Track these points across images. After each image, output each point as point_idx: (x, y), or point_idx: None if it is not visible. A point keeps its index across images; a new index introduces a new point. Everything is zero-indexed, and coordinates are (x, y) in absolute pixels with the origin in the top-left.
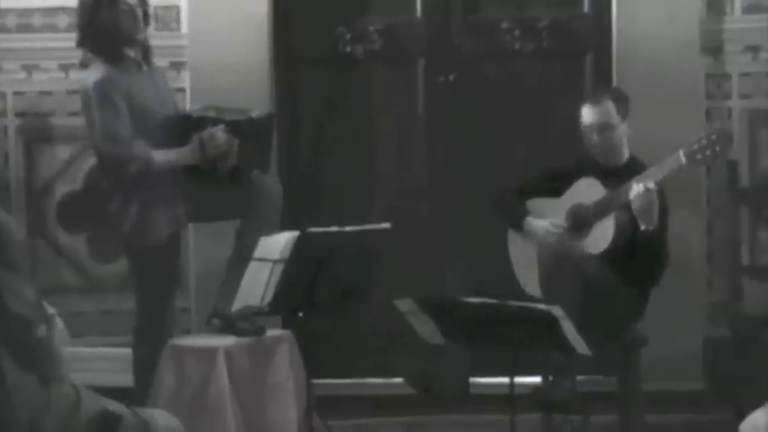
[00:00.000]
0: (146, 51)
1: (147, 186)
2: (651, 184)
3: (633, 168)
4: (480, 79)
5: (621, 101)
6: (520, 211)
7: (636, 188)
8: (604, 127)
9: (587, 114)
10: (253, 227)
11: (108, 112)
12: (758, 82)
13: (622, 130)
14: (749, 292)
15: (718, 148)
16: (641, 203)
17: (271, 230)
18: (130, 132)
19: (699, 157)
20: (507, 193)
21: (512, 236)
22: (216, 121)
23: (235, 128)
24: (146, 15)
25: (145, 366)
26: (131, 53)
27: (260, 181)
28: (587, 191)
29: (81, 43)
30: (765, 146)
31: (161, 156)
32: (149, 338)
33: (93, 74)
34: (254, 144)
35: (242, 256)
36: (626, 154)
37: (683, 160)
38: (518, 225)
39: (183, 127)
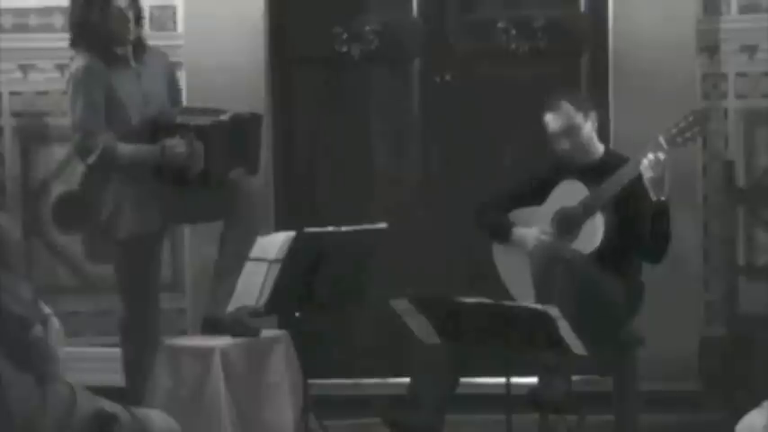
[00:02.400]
0: (138, 49)
1: (120, 179)
2: (663, 156)
3: (610, 161)
4: (476, 79)
5: (578, 99)
6: (505, 224)
7: (648, 159)
8: (569, 130)
9: (550, 122)
10: (234, 230)
11: (80, 101)
12: (754, 82)
13: (588, 128)
14: (745, 291)
15: (696, 129)
16: (655, 174)
17: (253, 232)
18: (100, 123)
19: (679, 140)
20: (487, 207)
21: (497, 248)
22: (180, 127)
23: (201, 133)
24: (138, 17)
25: (134, 364)
26: (121, 51)
27: (238, 182)
28: (569, 193)
29: (73, 44)
30: (761, 146)
31: (126, 150)
32: (134, 336)
33: (78, 61)
34: (226, 146)
35: (227, 259)
36: (599, 149)
37: (664, 145)
38: (505, 237)
39: (153, 129)
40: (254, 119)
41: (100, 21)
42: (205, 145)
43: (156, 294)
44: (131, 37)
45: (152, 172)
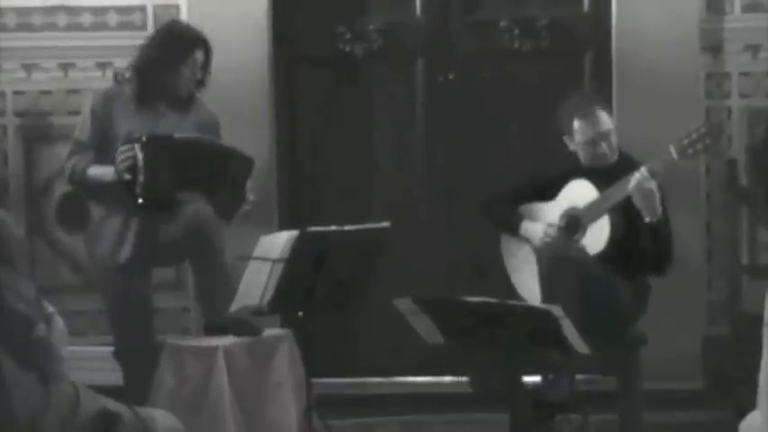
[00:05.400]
0: (179, 101)
1: (98, 200)
2: (648, 175)
3: (624, 165)
4: (479, 78)
5: (605, 104)
6: (514, 216)
7: (634, 181)
8: (607, 135)
9: (584, 130)
10: (194, 263)
11: (80, 123)
12: (758, 81)
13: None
14: (748, 290)
15: (708, 141)
16: (643, 196)
17: (211, 266)
18: (82, 145)
19: (690, 151)
20: (497, 199)
21: (505, 242)
22: (131, 140)
23: (144, 146)
24: (202, 81)
25: (134, 372)
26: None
27: (191, 216)
28: (579, 192)
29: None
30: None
31: (93, 170)
32: (125, 359)
33: (107, 87)
34: (171, 163)
35: (199, 286)
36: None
37: (675, 156)
38: (514, 230)
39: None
40: (239, 159)
41: (164, 80)
42: (146, 158)
43: (148, 322)
44: (181, 94)
45: (122, 194)
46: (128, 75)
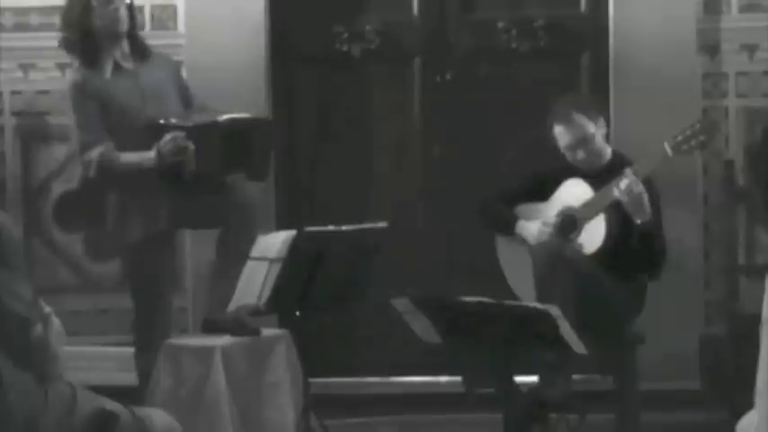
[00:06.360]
0: (138, 52)
1: (124, 185)
2: (634, 178)
3: (617, 165)
4: (477, 78)
5: (587, 108)
6: (510, 216)
7: (621, 185)
8: (584, 141)
9: (562, 135)
10: (231, 234)
11: (74, 117)
12: (755, 81)
13: (600, 136)
14: (746, 290)
15: (703, 138)
16: (631, 198)
17: (249, 237)
18: (95, 136)
19: (684, 147)
20: (492, 200)
21: (500, 242)
22: (177, 128)
23: (191, 133)
24: (132, 14)
25: (147, 364)
26: (114, 53)
27: (236, 187)
28: (574, 192)
29: (62, 45)
30: None
31: (126, 158)
32: (147, 335)
33: (73, 74)
34: (221, 148)
35: (223, 262)
36: (608, 153)
37: (670, 152)
38: (510, 230)
39: (151, 133)
40: (261, 123)
41: (84, 19)
42: (196, 145)
43: (166, 294)
44: (121, 34)
45: (154, 176)
46: (75, 56)
